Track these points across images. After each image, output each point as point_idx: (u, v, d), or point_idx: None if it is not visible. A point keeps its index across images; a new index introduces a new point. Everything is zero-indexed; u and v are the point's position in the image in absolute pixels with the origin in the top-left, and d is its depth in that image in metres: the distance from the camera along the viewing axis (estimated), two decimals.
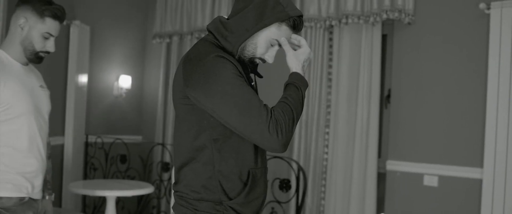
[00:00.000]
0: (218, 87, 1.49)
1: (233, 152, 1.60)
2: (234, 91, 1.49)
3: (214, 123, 1.57)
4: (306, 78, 4.30)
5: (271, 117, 1.48)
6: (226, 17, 1.69)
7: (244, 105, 1.48)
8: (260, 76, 1.78)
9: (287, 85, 1.63)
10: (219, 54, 1.54)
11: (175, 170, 1.69)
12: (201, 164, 1.60)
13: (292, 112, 1.53)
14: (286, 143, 1.49)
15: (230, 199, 1.60)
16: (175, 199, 1.69)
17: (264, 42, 1.63)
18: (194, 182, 1.61)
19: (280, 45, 1.66)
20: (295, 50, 1.70)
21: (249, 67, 1.69)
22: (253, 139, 1.50)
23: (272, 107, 1.53)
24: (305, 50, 1.68)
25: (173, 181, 4.26)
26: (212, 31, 1.67)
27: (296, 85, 1.61)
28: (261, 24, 1.60)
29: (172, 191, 4.47)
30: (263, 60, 1.68)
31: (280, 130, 1.47)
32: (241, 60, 1.65)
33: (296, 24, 1.64)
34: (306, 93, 4.26)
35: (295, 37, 1.70)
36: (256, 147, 1.65)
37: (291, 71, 1.67)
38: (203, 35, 4.92)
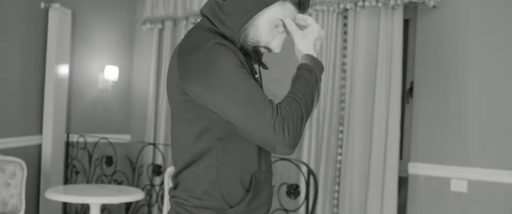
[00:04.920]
0: (218, 79, 1.49)
1: (235, 154, 1.61)
2: (236, 84, 1.49)
3: (217, 120, 1.56)
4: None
5: (277, 114, 1.46)
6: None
7: (247, 100, 1.48)
8: (266, 68, 1.75)
9: (298, 70, 1.61)
10: (218, 41, 1.54)
11: (173, 174, 1.69)
12: (203, 167, 1.60)
13: (300, 109, 1.51)
14: (293, 144, 1.48)
15: (231, 207, 1.60)
16: (171, 205, 1.68)
17: (268, 24, 1.62)
18: (194, 187, 1.61)
19: (287, 32, 1.66)
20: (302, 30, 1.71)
21: (253, 58, 1.68)
22: (256, 138, 1.50)
23: (278, 103, 1.52)
24: (313, 28, 1.66)
25: (165, 186, 4.22)
26: (208, 16, 1.66)
27: (309, 69, 1.59)
28: (263, 3, 1.59)
29: (166, 197, 4.32)
30: (269, 49, 1.67)
31: (287, 129, 1.46)
32: (243, 50, 1.65)
33: (302, 2, 1.64)
34: None
35: (300, 17, 1.68)
36: (260, 148, 1.65)
37: (301, 54, 1.65)
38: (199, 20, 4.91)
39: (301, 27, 1.70)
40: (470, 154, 3.85)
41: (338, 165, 4.29)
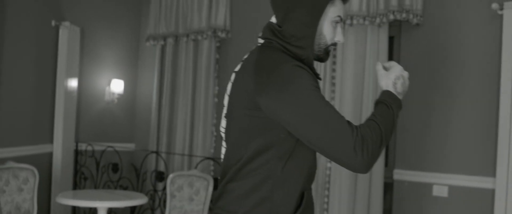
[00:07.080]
0: (299, 99, 1.48)
1: (292, 173, 1.59)
2: (316, 105, 1.47)
3: (282, 140, 1.56)
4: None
5: (357, 134, 1.45)
6: (275, 22, 1.69)
7: (328, 120, 1.45)
8: (319, 78, 1.73)
9: (376, 105, 1.62)
10: (298, 64, 1.55)
11: (221, 183, 1.65)
12: (258, 181, 1.58)
13: (380, 130, 1.49)
14: (370, 164, 1.46)
15: None
16: None
17: (330, 27, 1.65)
18: (243, 199, 1.58)
19: (342, 19, 1.69)
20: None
21: (324, 60, 1.73)
22: (333, 156, 1.47)
23: (358, 125, 1.51)
24: (395, 68, 1.68)
25: (168, 191, 4.29)
26: (273, 38, 1.66)
27: (386, 103, 1.59)
28: (317, 12, 1.62)
29: (169, 201, 4.29)
30: (335, 44, 1.70)
31: (366, 149, 1.44)
32: (317, 57, 1.68)
33: None
34: None
35: (388, 64, 1.72)
36: (315, 168, 1.66)
37: (382, 90, 1.67)
38: (200, 37, 4.97)
39: (386, 69, 1.72)
40: (450, 161, 3.85)
41: (327, 172, 4.26)
